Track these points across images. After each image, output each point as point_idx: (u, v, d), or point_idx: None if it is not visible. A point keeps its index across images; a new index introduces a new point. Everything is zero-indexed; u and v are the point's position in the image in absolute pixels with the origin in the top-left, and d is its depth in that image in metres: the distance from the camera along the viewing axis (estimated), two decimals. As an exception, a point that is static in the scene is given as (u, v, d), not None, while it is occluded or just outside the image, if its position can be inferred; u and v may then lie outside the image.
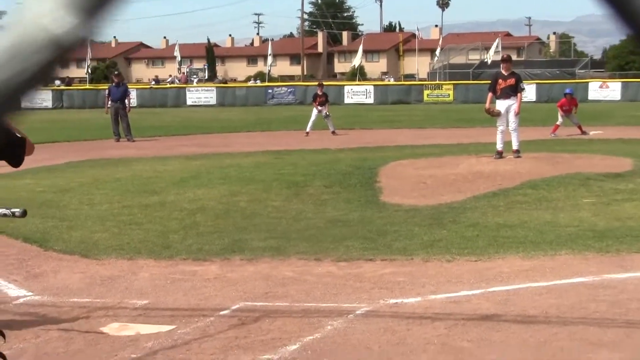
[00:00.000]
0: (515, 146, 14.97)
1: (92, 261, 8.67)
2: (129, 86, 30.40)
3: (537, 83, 45.80)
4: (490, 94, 14.95)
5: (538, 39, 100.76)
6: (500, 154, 14.83)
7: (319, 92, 25.83)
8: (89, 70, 65.40)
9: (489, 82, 15.71)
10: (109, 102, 24.23)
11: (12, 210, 6.32)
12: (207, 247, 9.09)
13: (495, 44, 57.21)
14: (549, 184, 12.26)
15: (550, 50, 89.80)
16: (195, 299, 7.21)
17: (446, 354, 5.59)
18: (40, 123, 33.51)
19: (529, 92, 42.31)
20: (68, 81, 73.78)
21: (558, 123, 21.91)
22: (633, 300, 6.58)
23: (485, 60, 60.78)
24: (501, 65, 15.33)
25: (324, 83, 33.93)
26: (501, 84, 14.98)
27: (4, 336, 6.34)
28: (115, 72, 28.84)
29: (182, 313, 6.82)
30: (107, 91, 25.40)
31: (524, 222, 9.87)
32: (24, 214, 6.47)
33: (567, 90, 23.74)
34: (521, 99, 15.26)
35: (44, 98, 51.13)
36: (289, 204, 11.78)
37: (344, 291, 7.25)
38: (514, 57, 51.28)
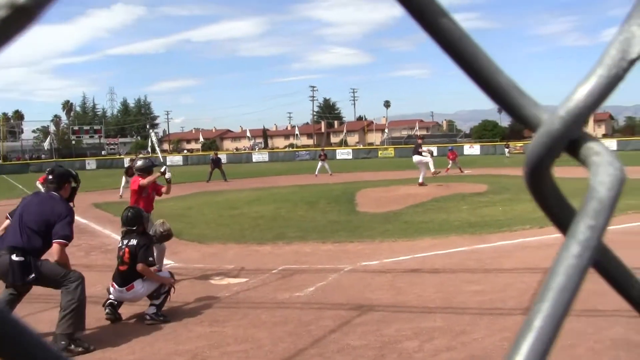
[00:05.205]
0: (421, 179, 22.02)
1: (203, 245, 13.62)
2: (220, 153, 57.32)
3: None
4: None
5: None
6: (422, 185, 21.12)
7: (322, 153, 46.94)
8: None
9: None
10: (212, 165, 45.13)
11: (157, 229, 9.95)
12: (264, 236, 14.03)
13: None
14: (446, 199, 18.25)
15: None
16: (258, 263, 11.52)
17: (390, 289, 9.03)
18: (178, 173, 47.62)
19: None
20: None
21: None
22: (487, 258, 11.42)
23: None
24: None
25: (325, 148, 64.67)
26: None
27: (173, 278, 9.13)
28: (215, 153, 52.59)
29: (252, 271, 10.73)
30: (211, 159, 45.53)
31: (432, 219, 15.02)
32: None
33: None
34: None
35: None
36: (307, 213, 17.97)
37: (337, 258, 11.67)
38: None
